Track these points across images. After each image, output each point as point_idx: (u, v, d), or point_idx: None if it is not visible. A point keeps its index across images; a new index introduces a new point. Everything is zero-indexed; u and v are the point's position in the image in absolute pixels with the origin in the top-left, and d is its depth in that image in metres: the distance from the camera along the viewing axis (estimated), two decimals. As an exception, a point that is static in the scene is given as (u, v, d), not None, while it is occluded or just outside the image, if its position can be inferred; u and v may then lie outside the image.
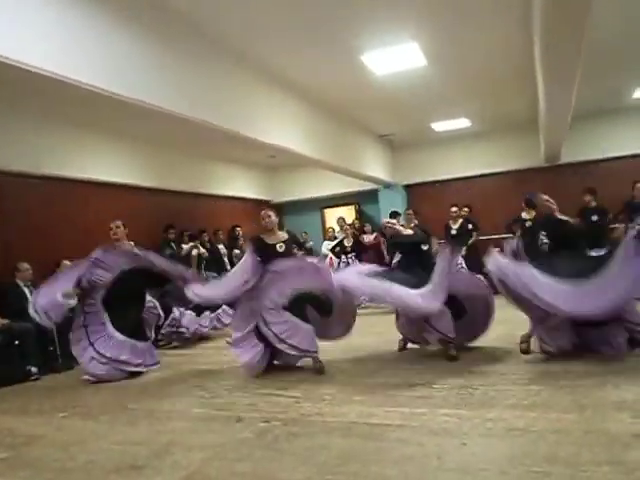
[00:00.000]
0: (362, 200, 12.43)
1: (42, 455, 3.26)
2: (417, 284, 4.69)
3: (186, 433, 3.41)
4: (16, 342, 5.70)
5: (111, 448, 3.24)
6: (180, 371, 5.46)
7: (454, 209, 9.86)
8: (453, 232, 9.60)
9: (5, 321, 5.73)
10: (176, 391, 4.57)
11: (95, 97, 4.32)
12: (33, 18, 3.70)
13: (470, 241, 9.52)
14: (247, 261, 4.97)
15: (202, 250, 8.80)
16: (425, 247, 5.51)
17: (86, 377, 5.21)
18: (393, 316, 5.53)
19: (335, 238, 10.57)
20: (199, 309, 7.22)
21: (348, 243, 9.83)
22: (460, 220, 9.74)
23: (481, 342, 5.30)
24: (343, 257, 9.79)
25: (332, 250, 10.28)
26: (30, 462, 3.17)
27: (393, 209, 10.00)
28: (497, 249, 4.88)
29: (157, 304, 6.13)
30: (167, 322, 6.91)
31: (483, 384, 3.90)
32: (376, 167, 10.75)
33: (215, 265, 9.03)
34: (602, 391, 3.46)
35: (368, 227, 10.75)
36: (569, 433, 2.81)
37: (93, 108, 5.85)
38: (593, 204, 8.19)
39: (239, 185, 11.72)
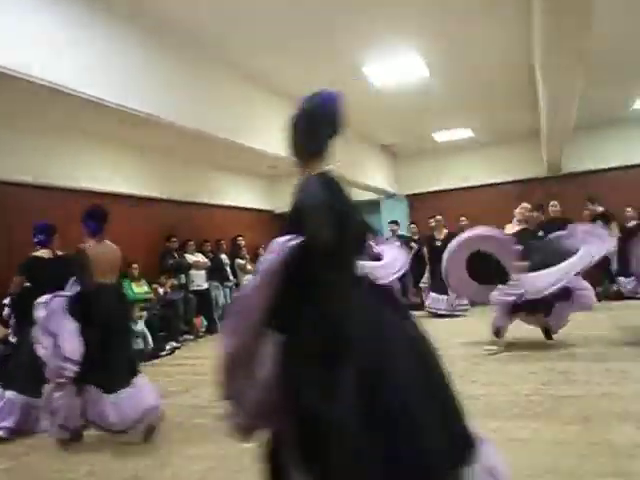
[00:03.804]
0: (364, 210, 12.42)
1: (43, 466, 3.25)
2: None
3: (186, 444, 3.39)
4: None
5: (111, 459, 3.23)
6: (177, 380, 5.45)
7: (463, 219, 9.87)
8: (437, 243, 8.90)
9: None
10: (175, 401, 4.55)
11: (95, 107, 4.35)
12: (45, 34, 3.78)
13: None
14: None
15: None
16: None
17: None
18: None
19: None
20: None
21: None
22: (445, 231, 9.05)
23: (481, 352, 5.28)
24: None
25: None
26: (31, 473, 3.16)
27: (392, 219, 10.27)
28: None
29: None
30: None
31: (485, 394, 3.88)
32: (378, 177, 10.77)
33: (218, 275, 9.08)
34: (606, 402, 3.44)
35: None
36: (573, 444, 2.79)
37: (92, 118, 5.86)
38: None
39: (241, 195, 11.75)
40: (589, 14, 4.06)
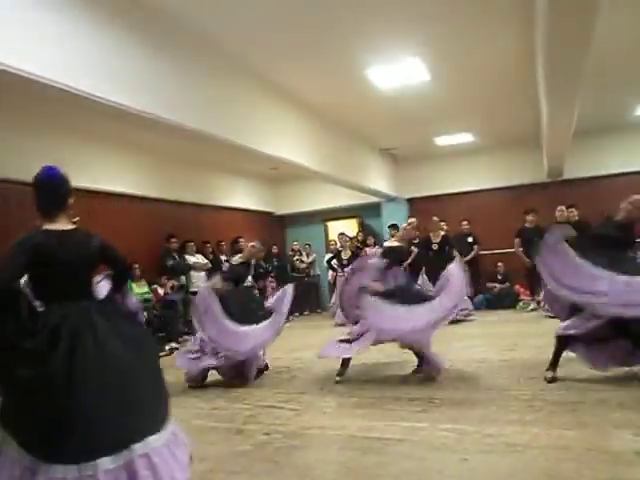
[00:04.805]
0: (365, 213, 12.44)
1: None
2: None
3: (185, 445, 3.38)
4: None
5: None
6: (179, 381, 5.45)
7: (465, 223, 9.91)
8: (434, 247, 8.89)
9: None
10: (174, 402, 4.52)
11: (99, 107, 4.35)
12: (52, 34, 3.78)
13: (470, 256, 9.54)
14: None
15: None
16: None
17: None
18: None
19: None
20: None
21: (345, 256, 9.83)
22: (442, 233, 8.98)
23: (481, 356, 5.28)
24: (339, 270, 9.80)
25: (328, 262, 10.30)
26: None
27: (392, 222, 10.25)
28: None
29: None
30: None
31: (484, 399, 3.88)
32: (379, 180, 10.78)
33: (217, 276, 9.09)
34: (604, 408, 3.44)
35: (371, 240, 10.77)
36: (571, 450, 2.79)
37: (95, 118, 5.87)
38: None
39: (242, 197, 11.76)
40: (592, 19, 4.07)
